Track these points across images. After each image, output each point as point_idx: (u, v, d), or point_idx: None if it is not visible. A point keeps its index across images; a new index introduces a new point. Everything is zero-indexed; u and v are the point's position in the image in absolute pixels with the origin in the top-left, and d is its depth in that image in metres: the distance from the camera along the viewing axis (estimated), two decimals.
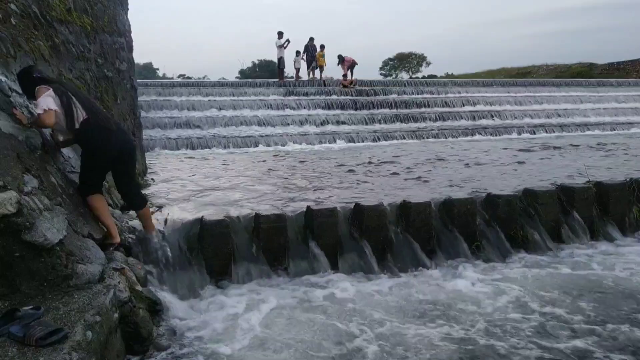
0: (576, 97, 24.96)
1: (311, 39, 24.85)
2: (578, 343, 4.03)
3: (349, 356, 3.91)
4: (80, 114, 4.25)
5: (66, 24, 6.07)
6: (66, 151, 4.94)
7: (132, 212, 5.73)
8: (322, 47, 24.60)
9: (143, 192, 7.26)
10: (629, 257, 6.09)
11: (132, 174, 4.93)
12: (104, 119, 4.45)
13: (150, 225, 5.22)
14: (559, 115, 21.93)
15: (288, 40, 23.39)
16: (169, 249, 5.36)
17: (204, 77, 42.46)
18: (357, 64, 24.36)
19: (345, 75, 23.79)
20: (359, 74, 24.45)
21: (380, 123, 19.50)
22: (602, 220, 6.91)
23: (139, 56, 55.12)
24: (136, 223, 5.38)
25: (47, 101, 4.06)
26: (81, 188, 4.47)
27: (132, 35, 9.71)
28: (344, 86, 22.77)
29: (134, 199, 5.01)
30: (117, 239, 4.51)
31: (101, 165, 4.50)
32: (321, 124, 18.70)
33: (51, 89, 4.15)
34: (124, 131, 4.76)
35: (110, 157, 4.45)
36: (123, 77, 8.45)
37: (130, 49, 9.34)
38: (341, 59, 24.26)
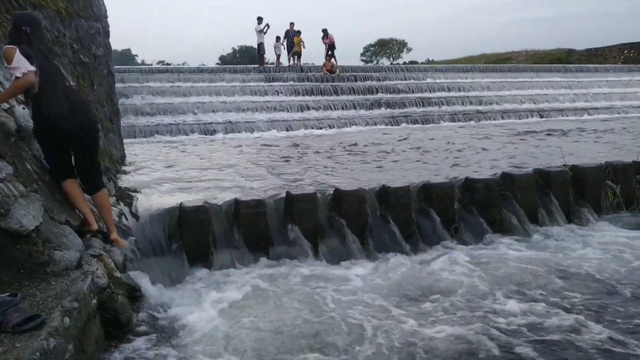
0: (555, 82, 25.19)
1: (291, 24, 24.67)
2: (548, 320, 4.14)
3: (325, 339, 3.96)
4: (37, 86, 4.06)
5: (40, 8, 5.95)
6: None
7: (111, 198, 5.68)
8: (299, 32, 24.41)
9: (125, 181, 7.23)
10: (603, 239, 6.22)
11: (93, 154, 4.51)
12: (56, 98, 4.14)
13: (110, 222, 4.61)
14: (539, 102, 22.11)
15: (268, 25, 23.19)
16: (148, 236, 5.35)
17: (183, 64, 41.98)
18: (335, 47, 24.23)
19: (327, 57, 23.50)
20: (340, 60, 24.35)
21: (360, 109, 19.48)
22: (578, 203, 7.03)
23: (118, 43, 54.46)
24: (117, 210, 5.31)
25: (25, 63, 3.93)
26: (52, 173, 4.34)
27: (110, 20, 9.57)
28: (327, 72, 22.64)
29: (90, 179, 4.50)
30: (95, 226, 4.45)
31: (57, 144, 4.25)
32: (302, 110, 18.63)
33: (17, 50, 3.96)
34: (84, 110, 4.37)
35: (62, 135, 4.20)
36: (100, 63, 8.33)
37: (106, 34, 9.20)
38: (325, 34, 24.19)
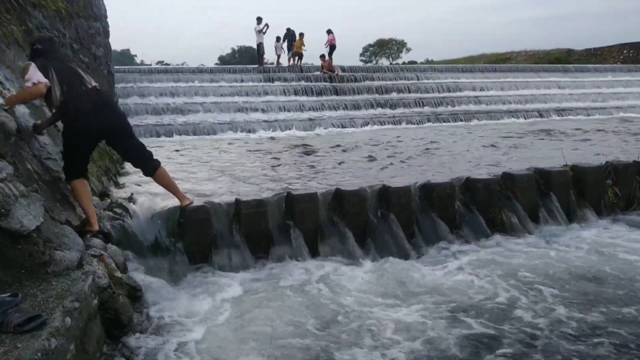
0: (555, 82, 25.18)
1: (288, 29, 24.76)
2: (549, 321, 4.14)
3: (327, 340, 3.95)
4: (58, 93, 4.20)
5: (40, 7, 5.95)
6: (42, 138, 4.85)
7: (111, 198, 5.68)
8: (301, 34, 24.41)
9: (124, 179, 7.23)
10: (603, 238, 6.22)
11: (132, 142, 4.87)
12: (79, 100, 4.29)
13: (178, 191, 5.26)
14: (538, 101, 22.10)
15: (267, 25, 23.15)
16: (149, 236, 5.34)
17: (182, 64, 41.98)
18: (335, 48, 24.26)
19: (323, 56, 23.43)
20: (339, 60, 24.36)
21: (360, 109, 19.45)
22: (579, 202, 7.02)
23: (117, 43, 54.38)
24: (118, 210, 5.30)
25: (37, 74, 4.07)
26: (65, 171, 4.46)
27: (110, 20, 9.59)
28: (326, 71, 22.58)
29: (143, 163, 5.00)
30: (96, 227, 4.45)
31: (77, 145, 4.42)
32: (301, 110, 18.59)
33: (33, 64, 4.15)
34: (109, 107, 4.59)
35: (86, 137, 4.41)
36: (99, 63, 8.34)
37: (106, 34, 9.21)
38: (329, 32, 24.41)
